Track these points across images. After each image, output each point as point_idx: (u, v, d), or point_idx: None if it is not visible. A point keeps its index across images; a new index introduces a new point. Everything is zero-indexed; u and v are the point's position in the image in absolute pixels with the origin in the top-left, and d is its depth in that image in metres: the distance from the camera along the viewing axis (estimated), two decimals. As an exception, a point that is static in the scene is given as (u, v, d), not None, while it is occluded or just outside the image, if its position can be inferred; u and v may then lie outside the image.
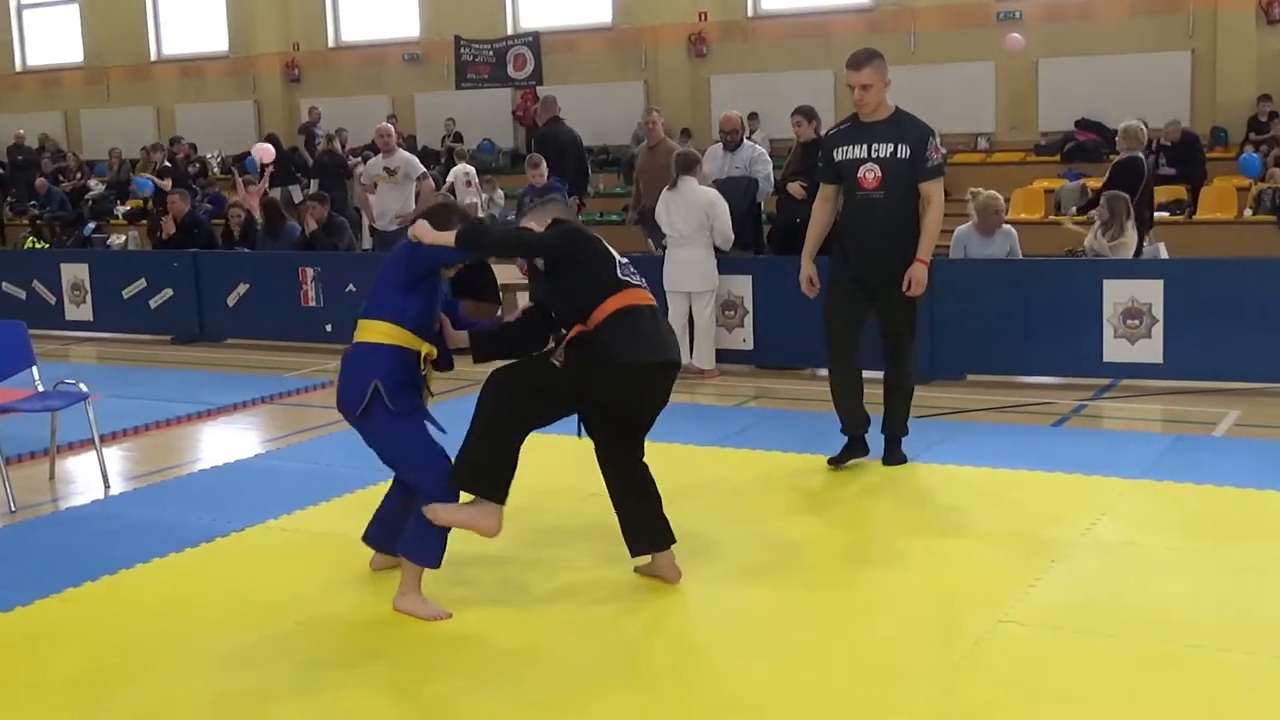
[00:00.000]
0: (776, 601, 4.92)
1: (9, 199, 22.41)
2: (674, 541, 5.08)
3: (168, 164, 20.16)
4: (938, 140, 6.51)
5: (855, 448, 6.72)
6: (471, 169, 18.98)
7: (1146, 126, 11.94)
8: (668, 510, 5.09)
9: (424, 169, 12.48)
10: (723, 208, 9.21)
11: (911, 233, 6.38)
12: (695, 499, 6.27)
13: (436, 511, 4.71)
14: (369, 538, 5.30)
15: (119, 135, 24.47)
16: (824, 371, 9.37)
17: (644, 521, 5.05)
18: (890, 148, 6.34)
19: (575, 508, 6.16)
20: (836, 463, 6.68)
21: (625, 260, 4.97)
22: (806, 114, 10.34)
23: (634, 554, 5.09)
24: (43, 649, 4.68)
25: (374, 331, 4.83)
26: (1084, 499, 6.09)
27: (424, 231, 4.78)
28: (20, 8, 27.18)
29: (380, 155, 12.24)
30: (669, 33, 21.20)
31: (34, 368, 7.15)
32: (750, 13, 20.98)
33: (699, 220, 9.18)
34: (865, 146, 6.39)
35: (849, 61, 6.40)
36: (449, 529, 4.81)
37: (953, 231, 9.67)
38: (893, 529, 5.80)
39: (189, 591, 5.23)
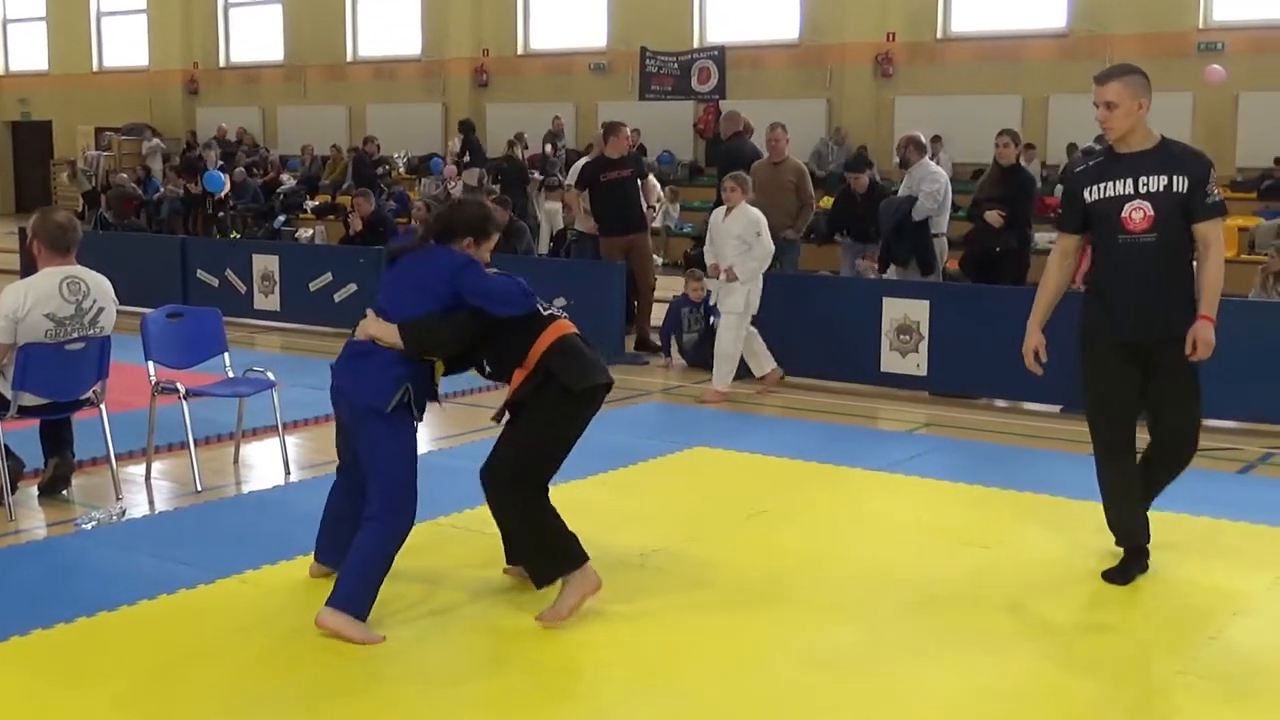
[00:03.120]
0: (950, 639, 4.84)
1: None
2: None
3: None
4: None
5: (1137, 560, 5.56)
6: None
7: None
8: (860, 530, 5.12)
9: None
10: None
11: (1187, 281, 5.38)
12: (864, 526, 6.22)
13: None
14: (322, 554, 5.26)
15: (313, 132, 25.28)
16: (1001, 402, 9.35)
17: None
18: (1164, 180, 5.31)
19: (739, 528, 6.17)
20: (1117, 578, 5.50)
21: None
22: (1014, 137, 10.23)
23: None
24: (222, 627, 4.84)
25: None
26: (1272, 550, 5.87)
27: (373, 327, 4.79)
28: (227, 6, 28.29)
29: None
30: (856, 51, 21.05)
31: (226, 354, 7.42)
32: (939, 34, 20.71)
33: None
34: (1129, 181, 5.36)
35: (1095, 76, 5.51)
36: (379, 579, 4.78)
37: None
38: (1068, 569, 5.64)
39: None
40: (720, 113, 17.85)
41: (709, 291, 10.28)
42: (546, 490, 4.98)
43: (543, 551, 4.93)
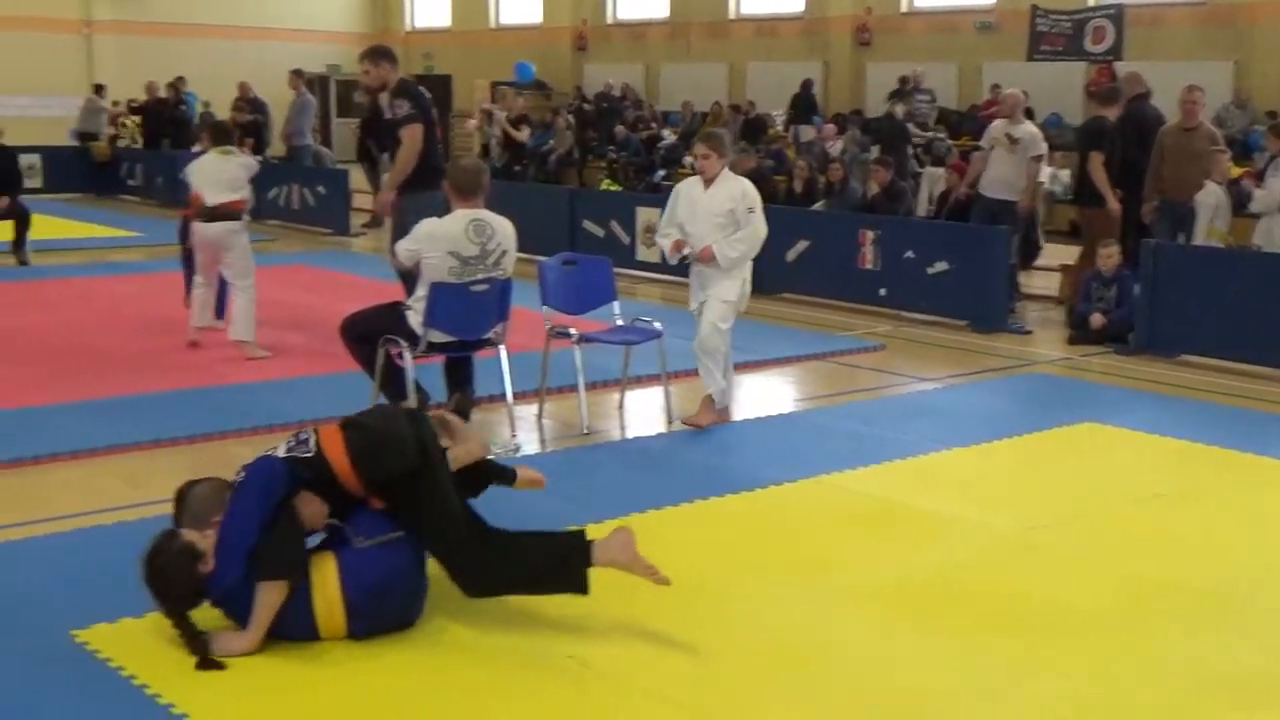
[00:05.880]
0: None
1: (592, 143, 24.10)
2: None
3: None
4: None
5: None
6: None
7: None
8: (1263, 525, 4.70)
9: (1045, 149, 11.73)
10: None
11: None
12: (1268, 520, 5.82)
13: None
14: None
15: (693, 89, 25.68)
16: None
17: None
18: None
19: (1130, 511, 5.90)
20: None
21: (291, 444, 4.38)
22: None
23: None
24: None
25: None
26: None
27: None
28: (616, -35, 29.07)
29: (1004, 120, 11.69)
30: (1272, 9, 19.56)
31: (615, 303, 7.64)
32: (1372, -10, 19.01)
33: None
34: None
35: None
36: None
37: None
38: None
39: (740, 531, 5.42)
40: (1115, 74, 17.01)
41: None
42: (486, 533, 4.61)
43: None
